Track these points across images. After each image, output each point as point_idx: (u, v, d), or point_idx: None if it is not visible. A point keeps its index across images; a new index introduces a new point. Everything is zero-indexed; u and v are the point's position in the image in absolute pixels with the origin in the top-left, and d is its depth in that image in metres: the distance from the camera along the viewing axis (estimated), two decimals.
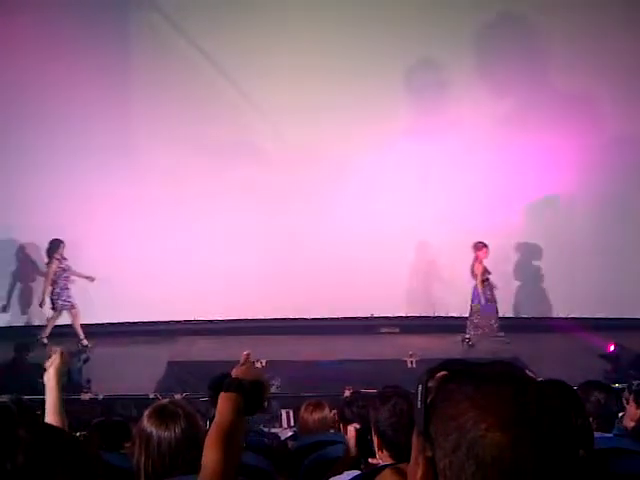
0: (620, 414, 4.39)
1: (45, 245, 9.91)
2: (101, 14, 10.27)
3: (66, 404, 2.99)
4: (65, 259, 9.80)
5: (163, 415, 2.32)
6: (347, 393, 5.76)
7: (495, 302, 9.85)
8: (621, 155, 10.50)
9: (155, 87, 10.44)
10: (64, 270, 9.78)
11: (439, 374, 1.00)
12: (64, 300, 9.77)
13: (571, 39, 10.31)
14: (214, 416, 4.38)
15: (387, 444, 2.56)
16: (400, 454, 2.46)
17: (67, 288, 9.80)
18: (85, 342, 9.82)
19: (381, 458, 2.62)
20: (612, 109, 10.52)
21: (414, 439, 1.02)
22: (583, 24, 10.40)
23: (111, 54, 10.30)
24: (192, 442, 2.27)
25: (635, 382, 5.89)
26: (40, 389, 2.91)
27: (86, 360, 8.57)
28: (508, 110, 10.45)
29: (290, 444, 4.84)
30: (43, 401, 2.93)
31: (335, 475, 2.87)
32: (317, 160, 10.56)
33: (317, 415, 4.48)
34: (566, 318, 10.40)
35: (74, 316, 9.88)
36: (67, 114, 10.17)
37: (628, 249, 10.58)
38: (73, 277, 9.86)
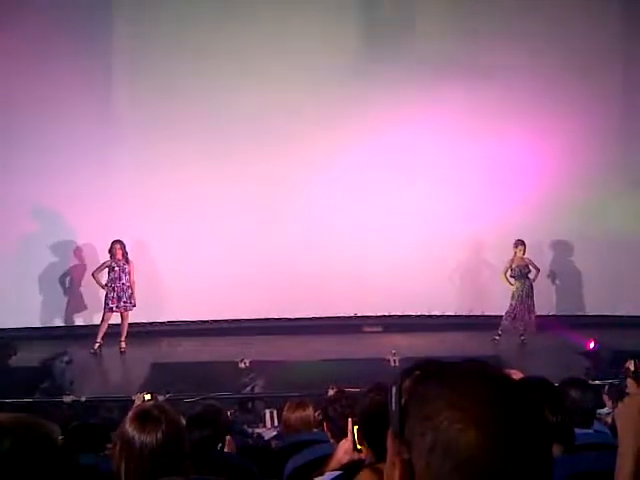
0: (598, 410, 4.43)
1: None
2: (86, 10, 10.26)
3: (48, 407, 2.96)
4: (116, 259, 9.63)
5: (145, 420, 2.30)
6: (331, 392, 5.76)
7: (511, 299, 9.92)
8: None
9: (150, 90, 10.44)
10: (112, 269, 9.69)
11: (413, 375, 1.00)
12: (105, 301, 9.73)
13: (566, 31, 10.43)
14: (195, 415, 4.33)
15: (365, 436, 2.57)
16: (377, 446, 2.46)
17: (112, 289, 9.64)
18: (96, 347, 9.70)
19: (363, 451, 2.63)
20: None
21: (389, 441, 1.01)
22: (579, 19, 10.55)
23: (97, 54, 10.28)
24: (173, 447, 2.26)
25: (608, 382, 5.94)
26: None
27: (68, 362, 8.49)
28: (515, 106, 10.53)
29: (274, 444, 4.84)
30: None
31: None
32: (302, 160, 10.59)
33: (299, 414, 4.47)
34: (547, 316, 10.48)
35: (105, 319, 9.73)
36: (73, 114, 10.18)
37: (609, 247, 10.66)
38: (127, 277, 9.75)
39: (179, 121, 10.45)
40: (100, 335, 9.71)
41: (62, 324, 10.62)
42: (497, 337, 9.95)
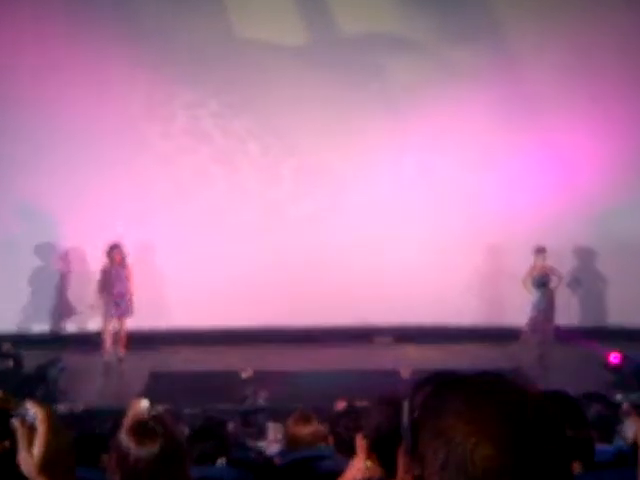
0: (619, 426, 4.41)
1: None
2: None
3: None
4: (116, 264, 9.56)
5: (141, 432, 2.31)
6: (339, 405, 5.75)
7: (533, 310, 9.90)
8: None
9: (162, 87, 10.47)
10: (109, 275, 9.60)
11: (425, 388, 1.00)
12: (104, 308, 9.65)
13: (575, 36, 10.38)
14: (197, 429, 4.32)
15: (374, 449, 2.56)
16: (387, 461, 2.45)
17: (111, 294, 9.56)
18: (106, 357, 9.65)
19: (370, 465, 2.62)
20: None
21: (401, 456, 1.01)
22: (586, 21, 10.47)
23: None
24: (171, 461, 2.26)
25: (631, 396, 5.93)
26: None
27: (62, 369, 8.51)
28: (527, 112, 10.49)
29: (277, 459, 4.82)
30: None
31: None
32: (311, 165, 10.60)
33: (304, 428, 4.45)
34: (569, 326, 10.42)
35: (105, 328, 9.64)
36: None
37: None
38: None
39: (181, 123, 10.48)
40: (108, 344, 9.64)
41: (56, 330, 10.65)
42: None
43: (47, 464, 1.26)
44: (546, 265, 9.89)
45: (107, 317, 9.64)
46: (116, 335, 9.72)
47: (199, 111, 10.54)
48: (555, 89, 10.42)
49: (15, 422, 1.28)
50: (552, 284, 9.91)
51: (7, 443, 1.30)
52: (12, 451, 1.28)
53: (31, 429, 1.28)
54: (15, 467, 1.26)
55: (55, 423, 1.29)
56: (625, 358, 8.89)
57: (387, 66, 10.60)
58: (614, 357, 8.96)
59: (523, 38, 10.49)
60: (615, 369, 8.84)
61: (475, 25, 10.49)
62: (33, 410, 1.29)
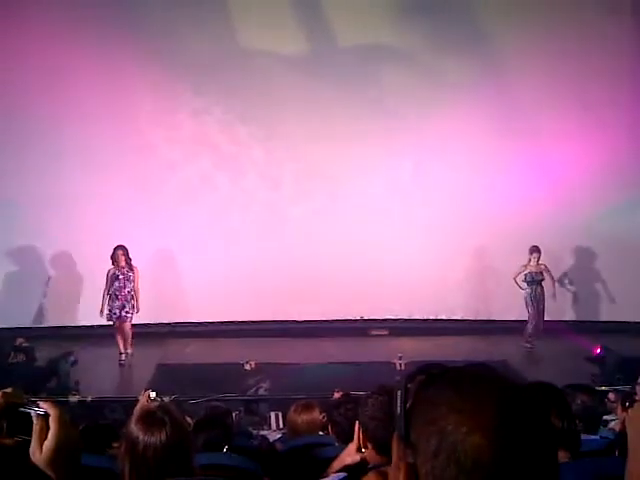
0: (604, 417, 4.40)
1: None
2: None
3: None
4: (120, 266, 9.29)
5: (150, 421, 2.31)
6: (336, 395, 5.74)
7: (527, 307, 9.91)
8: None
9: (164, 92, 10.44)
10: (116, 278, 9.35)
11: (418, 378, 1.00)
12: (109, 310, 9.40)
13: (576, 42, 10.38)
14: (203, 417, 4.31)
15: (370, 438, 2.56)
16: (383, 447, 2.45)
17: (116, 297, 9.31)
18: (123, 358, 9.48)
19: (367, 453, 2.62)
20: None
21: (394, 444, 1.01)
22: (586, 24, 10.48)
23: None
24: (177, 449, 2.27)
25: (620, 387, 5.91)
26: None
27: (74, 363, 8.50)
28: (523, 115, 10.47)
29: (278, 446, 4.82)
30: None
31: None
32: (311, 163, 10.59)
33: (305, 416, 4.45)
34: (555, 321, 10.43)
35: (117, 329, 9.46)
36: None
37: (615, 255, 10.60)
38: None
39: (186, 129, 10.48)
40: (121, 345, 9.50)
41: (69, 324, 10.63)
42: (528, 345, 9.90)
43: (55, 459, 1.30)
44: (540, 264, 9.93)
45: (114, 319, 9.43)
46: (124, 332, 9.60)
47: (204, 117, 10.53)
48: (546, 94, 10.40)
49: (33, 416, 1.31)
50: (544, 282, 9.94)
51: (19, 438, 1.33)
52: (26, 442, 1.31)
53: (44, 425, 1.31)
54: (28, 457, 1.30)
55: (65, 422, 1.32)
56: (608, 351, 8.90)
57: (383, 75, 10.60)
58: (597, 350, 8.98)
59: (514, 46, 10.47)
60: (599, 361, 8.85)
61: (465, 35, 10.47)
62: (46, 409, 1.32)
